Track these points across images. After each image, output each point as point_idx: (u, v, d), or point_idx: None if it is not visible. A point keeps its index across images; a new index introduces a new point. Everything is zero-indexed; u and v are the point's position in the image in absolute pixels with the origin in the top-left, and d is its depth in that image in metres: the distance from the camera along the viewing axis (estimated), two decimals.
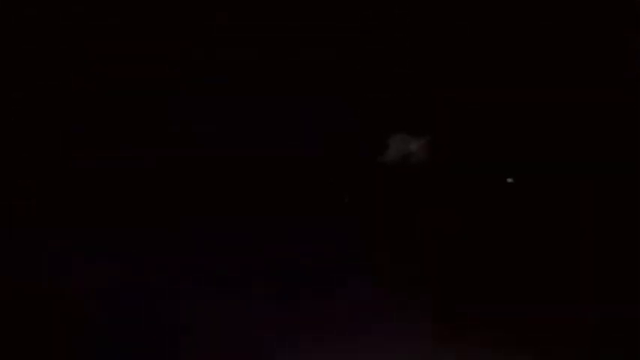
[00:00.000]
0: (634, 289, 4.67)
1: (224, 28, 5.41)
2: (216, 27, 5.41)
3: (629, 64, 5.21)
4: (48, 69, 5.41)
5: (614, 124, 5.19)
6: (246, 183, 5.43)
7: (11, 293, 4.82)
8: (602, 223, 5.00)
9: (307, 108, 5.38)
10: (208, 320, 4.67)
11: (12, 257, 5.00)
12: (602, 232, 4.96)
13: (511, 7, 5.31)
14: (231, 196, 5.38)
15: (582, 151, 5.19)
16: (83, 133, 5.42)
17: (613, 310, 4.55)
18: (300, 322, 4.63)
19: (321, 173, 5.40)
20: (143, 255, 5.02)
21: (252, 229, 5.20)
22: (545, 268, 4.89)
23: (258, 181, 5.42)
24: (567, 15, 5.27)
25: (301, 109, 5.40)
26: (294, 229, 5.19)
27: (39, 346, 4.48)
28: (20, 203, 5.22)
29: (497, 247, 5.01)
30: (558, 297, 4.73)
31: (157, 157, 5.34)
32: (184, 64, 5.43)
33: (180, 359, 4.44)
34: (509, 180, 5.19)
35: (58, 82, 5.41)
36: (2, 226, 5.11)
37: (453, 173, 5.27)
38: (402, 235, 5.16)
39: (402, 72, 5.37)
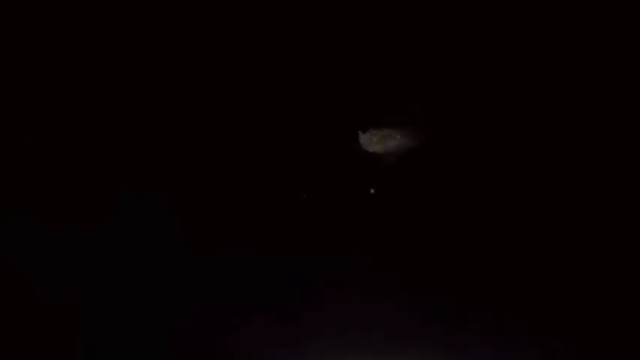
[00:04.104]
0: (635, 287, 4.68)
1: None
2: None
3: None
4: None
5: (613, 122, 5.20)
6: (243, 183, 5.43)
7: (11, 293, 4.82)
8: (603, 221, 5.00)
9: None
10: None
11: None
12: (603, 231, 4.97)
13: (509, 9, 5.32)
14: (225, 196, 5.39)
15: (585, 152, 5.19)
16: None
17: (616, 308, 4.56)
18: (300, 326, 4.63)
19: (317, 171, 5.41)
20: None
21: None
22: (545, 264, 4.89)
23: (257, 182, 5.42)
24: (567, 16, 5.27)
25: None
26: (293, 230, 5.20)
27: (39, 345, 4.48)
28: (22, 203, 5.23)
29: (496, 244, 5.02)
30: (558, 294, 4.74)
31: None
32: None
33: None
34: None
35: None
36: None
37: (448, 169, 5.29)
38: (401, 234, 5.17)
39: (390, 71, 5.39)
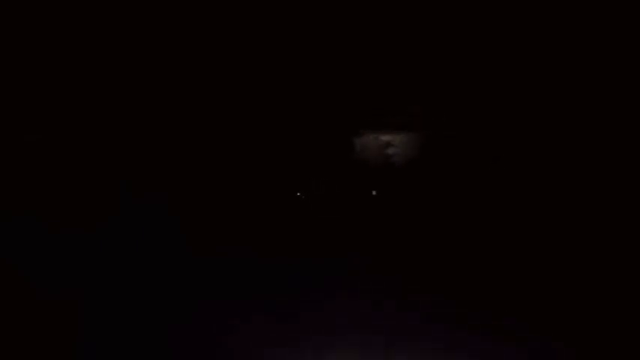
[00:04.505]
0: (635, 287, 4.68)
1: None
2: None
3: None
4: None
5: (613, 122, 5.20)
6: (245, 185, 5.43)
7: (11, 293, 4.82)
8: (603, 221, 5.00)
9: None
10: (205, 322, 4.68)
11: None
12: (603, 231, 4.97)
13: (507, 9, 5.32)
14: (226, 199, 5.39)
15: (586, 150, 5.20)
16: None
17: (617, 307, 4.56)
18: (300, 326, 4.63)
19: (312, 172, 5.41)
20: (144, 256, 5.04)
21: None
22: (544, 264, 4.90)
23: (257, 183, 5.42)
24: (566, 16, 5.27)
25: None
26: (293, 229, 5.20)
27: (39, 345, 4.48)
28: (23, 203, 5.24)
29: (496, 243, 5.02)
30: (558, 294, 4.74)
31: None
32: None
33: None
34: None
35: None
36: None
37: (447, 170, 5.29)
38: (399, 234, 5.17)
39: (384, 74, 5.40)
